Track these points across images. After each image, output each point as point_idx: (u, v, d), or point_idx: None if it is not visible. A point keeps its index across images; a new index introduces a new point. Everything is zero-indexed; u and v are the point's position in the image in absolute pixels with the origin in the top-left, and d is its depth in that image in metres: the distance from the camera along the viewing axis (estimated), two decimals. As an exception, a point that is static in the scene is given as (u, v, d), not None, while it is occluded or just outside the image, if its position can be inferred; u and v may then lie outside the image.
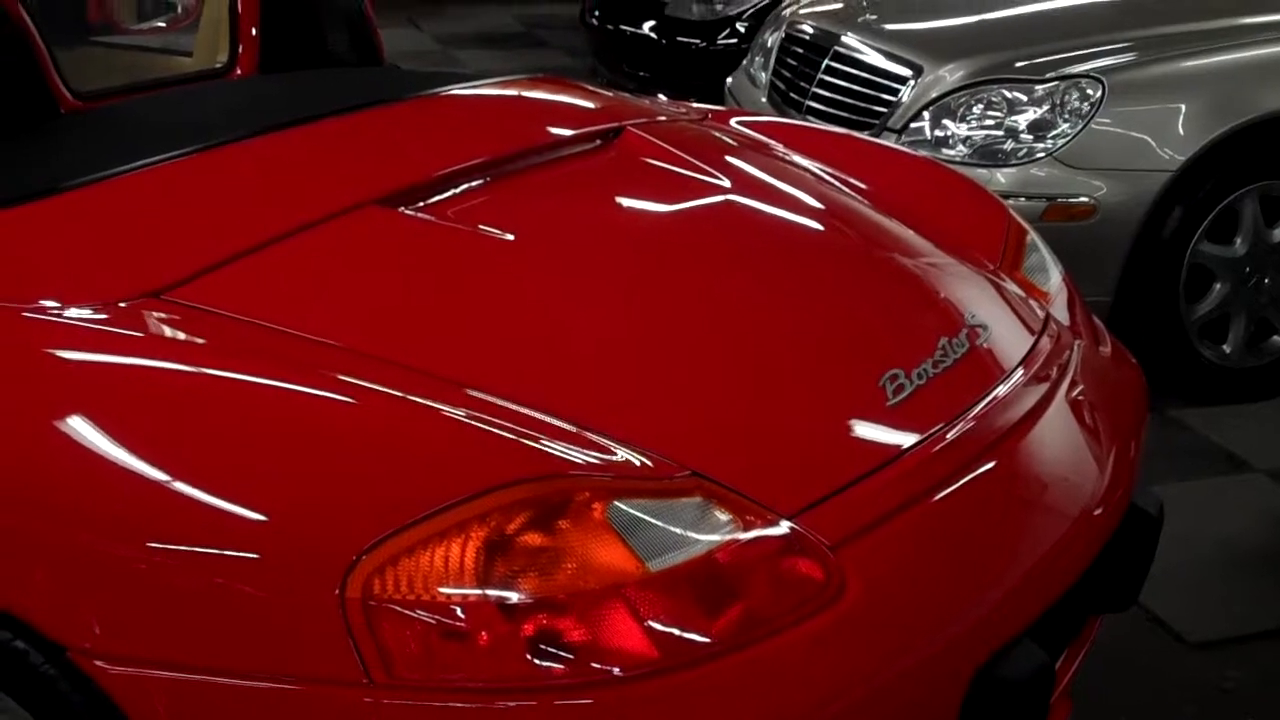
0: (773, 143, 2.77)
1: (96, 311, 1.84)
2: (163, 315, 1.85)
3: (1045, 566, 1.95)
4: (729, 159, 2.59)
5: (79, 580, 1.65)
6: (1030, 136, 3.96)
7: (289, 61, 2.84)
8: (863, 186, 2.62)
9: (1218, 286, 3.98)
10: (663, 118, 2.70)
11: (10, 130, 2.35)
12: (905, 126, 4.15)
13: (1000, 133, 4.00)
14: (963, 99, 4.06)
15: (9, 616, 1.66)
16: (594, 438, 1.72)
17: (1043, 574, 1.94)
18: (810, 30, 4.65)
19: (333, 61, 2.87)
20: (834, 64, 4.46)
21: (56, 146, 2.30)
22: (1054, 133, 3.93)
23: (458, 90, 2.55)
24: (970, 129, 4.05)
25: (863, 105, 4.33)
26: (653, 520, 1.65)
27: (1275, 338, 4.09)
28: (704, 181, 2.43)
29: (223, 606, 1.59)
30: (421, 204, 2.16)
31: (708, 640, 1.62)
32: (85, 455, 1.68)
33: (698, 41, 6.29)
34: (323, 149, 2.29)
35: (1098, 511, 2.06)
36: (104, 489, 1.65)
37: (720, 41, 6.24)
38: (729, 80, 5.18)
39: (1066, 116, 3.91)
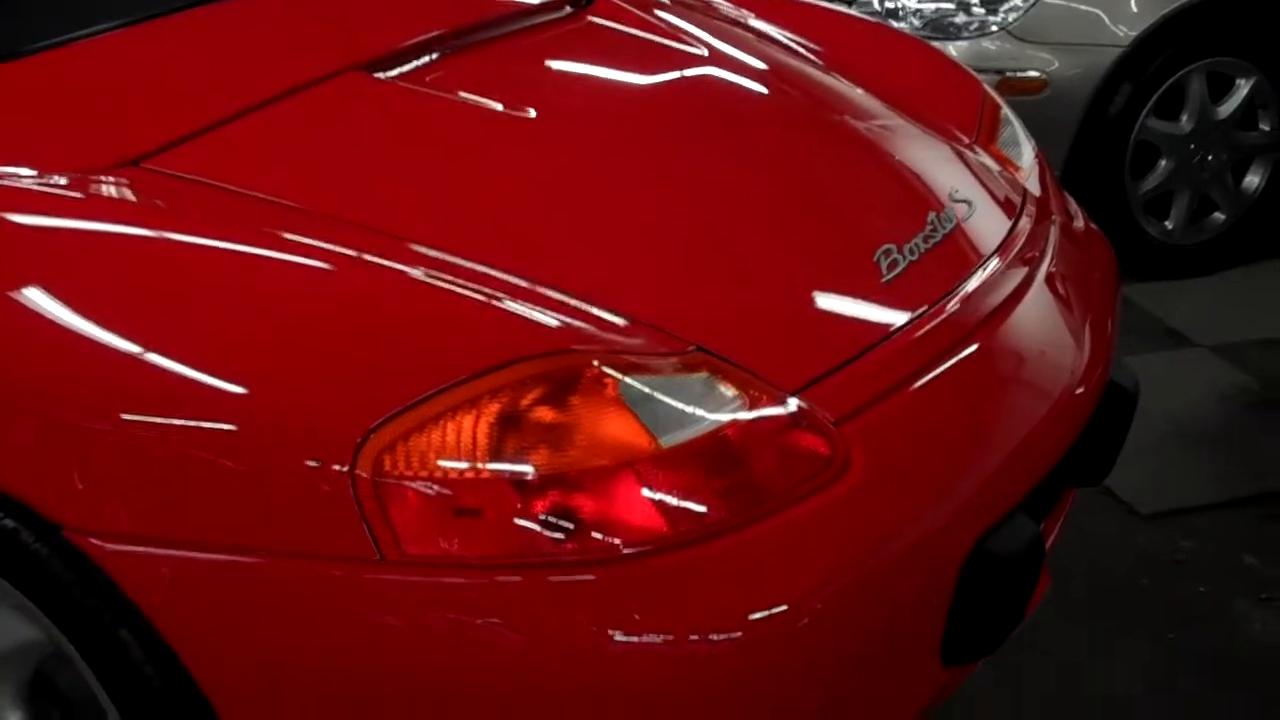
0: (744, 12, 2.72)
1: (73, 180, 1.77)
2: (144, 184, 1.78)
3: (1035, 441, 1.95)
4: (704, 28, 2.54)
5: (70, 457, 1.60)
6: (982, 10, 3.93)
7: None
8: (836, 59, 2.58)
9: (1163, 163, 4.01)
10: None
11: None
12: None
13: (951, 5, 3.97)
14: (914, -29, 4.03)
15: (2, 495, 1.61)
16: (602, 313, 1.70)
17: (1032, 449, 1.95)
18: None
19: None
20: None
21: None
22: (1006, 6, 3.90)
23: None
24: (920, 1, 4.01)
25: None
26: (662, 396, 1.63)
27: (1216, 214, 4.13)
28: (685, 52, 2.38)
29: (226, 483, 1.55)
30: (397, 71, 2.09)
31: (718, 516, 1.61)
32: (75, 327, 1.62)
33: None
34: (291, 13, 2.21)
35: (1081, 388, 2.06)
36: (94, 362, 1.60)
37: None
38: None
39: (1019, -11, 3.89)
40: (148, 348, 1.59)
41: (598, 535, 1.56)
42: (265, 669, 1.58)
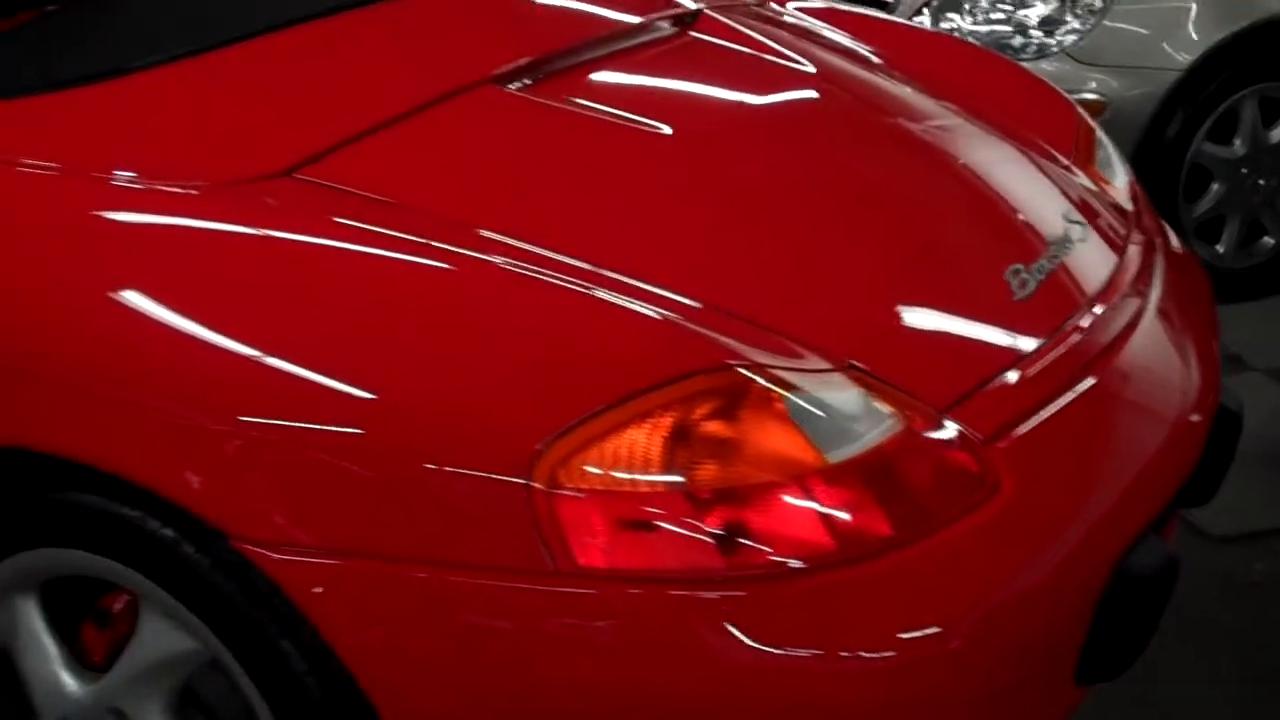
0: (839, 31, 2.73)
1: (226, 189, 1.77)
2: (300, 194, 1.79)
3: (1160, 463, 1.97)
4: (805, 47, 2.55)
5: (236, 466, 1.60)
6: (1040, 33, 3.95)
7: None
8: (935, 80, 2.60)
9: (1215, 187, 4.03)
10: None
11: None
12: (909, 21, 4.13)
13: (1009, 28, 3.99)
14: (971, -8, 4.05)
15: (162, 501, 1.61)
16: (764, 330, 1.70)
17: (1159, 470, 1.96)
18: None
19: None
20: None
21: (152, 9, 2.20)
22: (1064, 29, 3.92)
23: None
24: (977, 23, 4.03)
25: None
26: (825, 413, 1.64)
27: (1266, 239, 4.15)
28: (796, 70, 2.40)
29: (397, 494, 1.55)
30: (525, 85, 2.10)
31: (882, 534, 1.61)
32: (241, 335, 1.62)
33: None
34: (420, 26, 2.21)
35: (1197, 412, 2.08)
36: (264, 372, 1.60)
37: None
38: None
39: (1078, 12, 3.91)
40: (320, 357, 1.59)
41: (764, 549, 1.57)
42: (434, 679, 1.58)
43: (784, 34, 2.57)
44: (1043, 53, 3.92)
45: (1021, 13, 3.99)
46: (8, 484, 1.76)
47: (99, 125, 1.90)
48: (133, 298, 1.67)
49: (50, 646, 1.86)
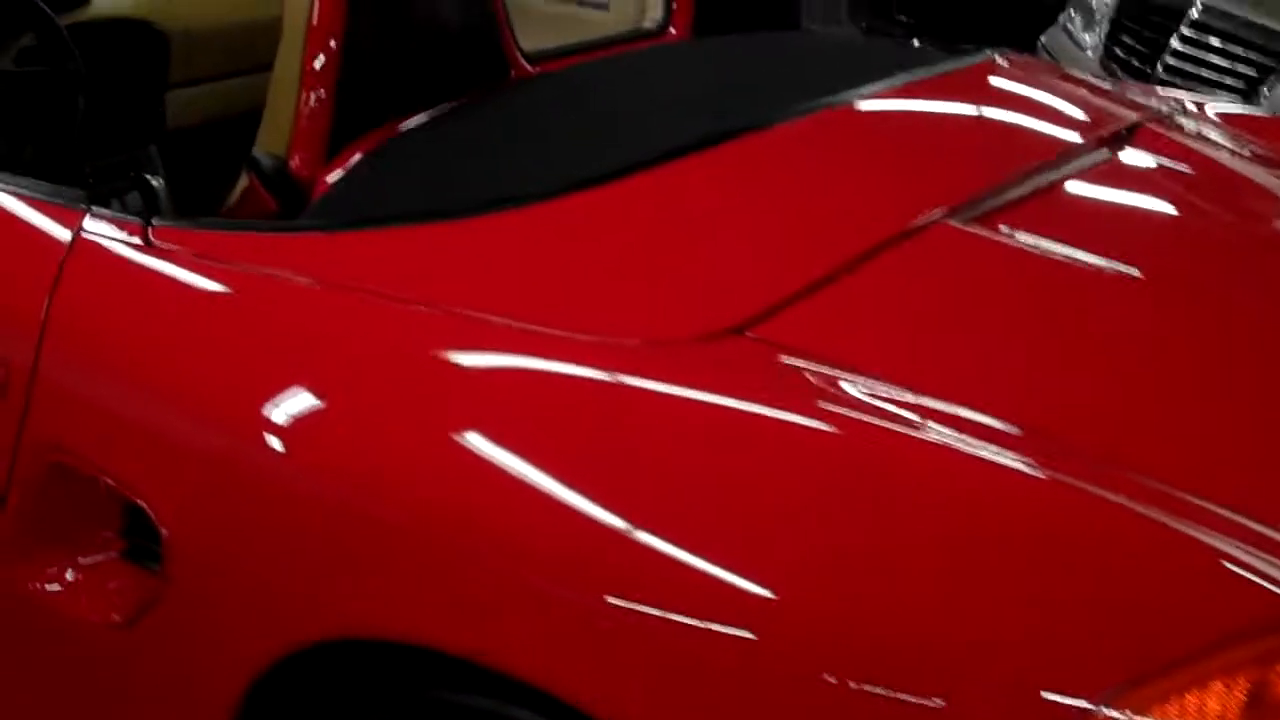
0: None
1: (667, 349, 1.51)
2: (749, 356, 1.52)
3: None
4: (1249, 162, 2.23)
5: (620, 649, 1.33)
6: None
7: (718, 21, 2.51)
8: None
9: None
10: (1161, 109, 2.34)
11: (463, 92, 2.06)
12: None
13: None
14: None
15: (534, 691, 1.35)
16: None
17: None
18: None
19: (755, 22, 2.54)
20: (1189, 31, 4.06)
21: (540, 130, 1.99)
22: None
23: (948, 70, 2.19)
24: None
25: (1229, 71, 3.94)
26: None
27: None
28: (1259, 193, 2.08)
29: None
30: (971, 219, 1.81)
31: None
32: (671, 527, 1.35)
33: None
34: (846, 142, 1.96)
35: None
36: (674, 564, 1.33)
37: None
38: (1042, 39, 4.80)
39: None
40: (751, 550, 1.32)
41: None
42: None
43: (1223, 148, 2.24)
44: None
45: None
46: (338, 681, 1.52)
47: (488, 260, 1.67)
48: (516, 463, 1.40)
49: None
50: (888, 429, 1.44)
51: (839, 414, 1.45)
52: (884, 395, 1.48)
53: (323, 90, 1.92)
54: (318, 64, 1.91)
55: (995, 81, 2.30)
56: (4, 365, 1.66)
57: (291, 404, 1.49)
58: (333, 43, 1.91)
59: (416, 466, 1.44)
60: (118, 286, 1.72)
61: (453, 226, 1.69)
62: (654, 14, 2.48)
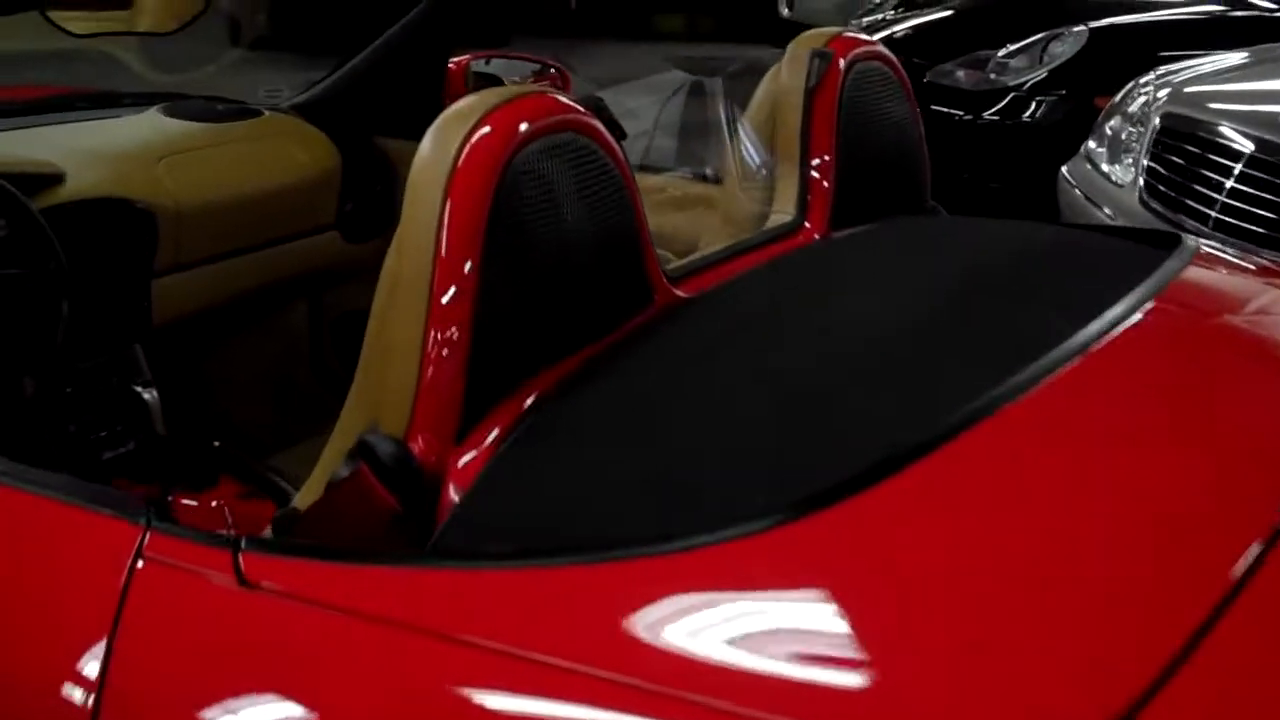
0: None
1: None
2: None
3: None
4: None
5: None
6: None
7: (855, 211, 2.08)
8: None
9: None
10: None
11: (607, 329, 1.61)
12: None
13: None
14: None
15: None
16: None
17: None
18: (1204, 121, 3.92)
19: (891, 209, 2.13)
20: (1251, 170, 3.73)
21: (729, 387, 1.50)
22: None
23: (1174, 271, 1.74)
24: None
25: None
26: None
27: None
28: None
29: None
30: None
31: None
32: None
33: (960, 114, 5.54)
34: (1158, 385, 1.52)
35: None
36: None
37: (986, 116, 5.50)
38: (1064, 171, 4.45)
39: None
40: None
41: None
42: None
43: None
44: None
45: None
46: None
47: (721, 614, 1.19)
48: None
49: None
50: None
51: None
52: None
53: (455, 347, 1.44)
54: (448, 317, 1.43)
55: (1237, 285, 1.89)
56: None
57: None
58: (466, 282, 1.44)
59: None
60: (200, 642, 1.26)
61: (659, 562, 1.21)
62: (784, 205, 2.04)
